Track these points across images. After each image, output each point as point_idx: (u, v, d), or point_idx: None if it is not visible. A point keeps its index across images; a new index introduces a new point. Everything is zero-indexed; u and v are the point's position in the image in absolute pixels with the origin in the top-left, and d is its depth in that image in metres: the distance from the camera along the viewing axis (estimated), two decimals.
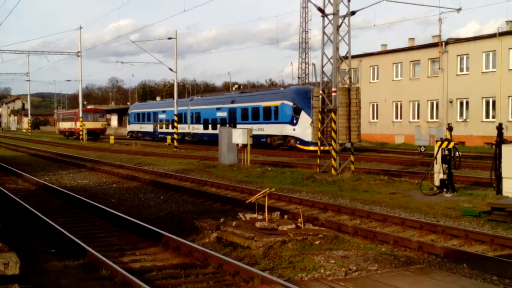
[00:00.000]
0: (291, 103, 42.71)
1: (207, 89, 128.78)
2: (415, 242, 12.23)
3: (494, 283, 8.36)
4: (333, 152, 23.58)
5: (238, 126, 44.44)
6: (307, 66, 69.23)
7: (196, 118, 56.40)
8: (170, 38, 48.86)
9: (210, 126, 53.29)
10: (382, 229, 14.08)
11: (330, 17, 23.78)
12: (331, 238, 11.50)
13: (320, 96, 23.74)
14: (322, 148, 24.53)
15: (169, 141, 54.74)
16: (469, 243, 12.40)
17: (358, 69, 53.12)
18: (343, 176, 22.98)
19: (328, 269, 9.34)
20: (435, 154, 19.51)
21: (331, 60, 23.86)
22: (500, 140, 18.41)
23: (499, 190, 17.97)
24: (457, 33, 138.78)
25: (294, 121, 42.11)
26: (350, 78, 23.98)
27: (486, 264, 9.73)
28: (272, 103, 45.10)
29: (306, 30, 69.70)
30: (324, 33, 24.04)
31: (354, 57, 45.31)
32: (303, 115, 41.01)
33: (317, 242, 11.19)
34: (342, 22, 23.76)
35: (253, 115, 47.40)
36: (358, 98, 23.27)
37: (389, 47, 59.48)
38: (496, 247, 11.83)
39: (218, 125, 48.64)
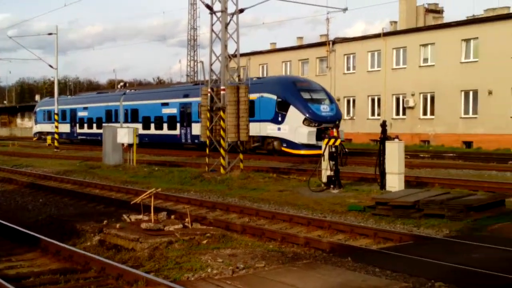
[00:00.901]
0: (273, 96, 35.10)
1: (90, 87, 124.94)
2: (302, 238, 12.33)
3: (376, 275, 8.51)
4: (221, 151, 23.47)
5: (194, 125, 39.53)
6: (196, 63, 68.90)
7: (133, 116, 46.83)
8: (50, 34, 46.95)
9: (152, 125, 44.75)
10: (270, 226, 14.11)
11: (219, 14, 23.64)
12: (219, 237, 11.38)
13: (209, 94, 23.56)
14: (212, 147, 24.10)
15: (49, 141, 51.24)
16: (354, 237, 12.62)
17: (247, 67, 53.25)
18: (232, 174, 22.91)
19: (215, 268, 9.21)
20: (322, 151, 19.79)
21: (220, 58, 23.73)
22: (384, 137, 18.93)
23: (383, 185, 18.48)
24: (345, 32, 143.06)
25: (279, 119, 34.59)
26: (239, 76, 23.96)
27: (369, 256, 9.89)
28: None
29: (195, 27, 69.49)
30: (212, 30, 23.88)
31: (243, 55, 45.43)
32: (293, 111, 33.96)
33: (205, 242, 11.04)
34: (230, 20, 23.67)
35: None
36: (247, 96, 23.27)
37: (279, 46, 60.25)
38: (379, 240, 12.10)
39: (165, 124, 43.23)
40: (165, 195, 18.51)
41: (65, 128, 54.78)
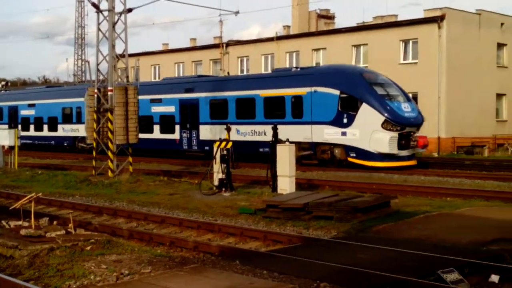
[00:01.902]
0: (335, 91, 27.55)
1: None
2: (192, 242, 12.16)
3: (264, 277, 8.45)
4: (109, 153, 22.86)
5: (202, 127, 32.89)
6: (83, 63, 67.15)
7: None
8: None
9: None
10: (159, 231, 13.86)
11: (106, 13, 23.03)
12: (103, 242, 11.00)
13: (96, 95, 22.89)
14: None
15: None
16: (244, 240, 12.57)
17: (137, 68, 52.30)
18: (121, 178, 22.39)
19: (99, 275, 8.89)
20: (214, 154, 19.67)
21: (107, 58, 23.12)
22: (275, 140, 19.06)
23: (274, 188, 18.60)
24: (241, 34, 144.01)
25: (344, 120, 27.23)
26: (127, 77, 23.44)
27: (258, 259, 9.85)
28: (288, 92, 29.34)
29: (82, 25, 67.46)
30: (99, 29, 23.25)
31: (133, 55, 44.72)
32: (366, 111, 26.69)
33: (89, 248, 10.67)
34: (118, 19, 23.14)
35: (243, 111, 31.44)
36: (136, 98, 22.78)
37: (172, 47, 59.63)
38: (269, 243, 12.10)
39: (157, 126, 35.29)
40: (48, 200, 17.88)
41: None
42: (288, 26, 52.97)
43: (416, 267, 9.13)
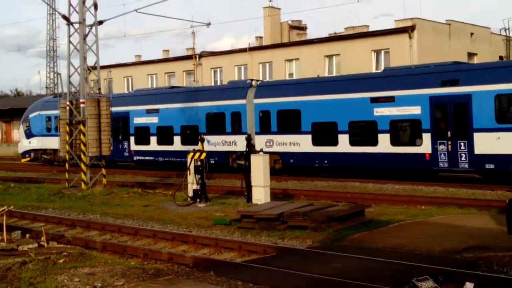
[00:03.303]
0: None
1: None
2: (166, 253, 12.08)
3: None
4: (82, 166, 22.65)
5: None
6: (56, 75, 66.70)
7: (283, 122, 28.81)
8: None
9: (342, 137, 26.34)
10: (133, 243, 13.75)
11: (77, 25, 22.88)
12: (76, 255, 10.93)
13: (68, 108, 22.69)
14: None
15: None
16: (219, 251, 12.52)
17: (109, 80, 51.86)
18: (95, 190, 22.19)
19: (72, 287, 8.76)
20: (188, 165, 19.59)
21: (79, 70, 22.94)
22: (249, 150, 19.04)
23: (249, 198, 18.56)
24: (214, 46, 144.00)
25: None
26: (99, 89, 23.28)
27: (232, 270, 9.80)
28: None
29: (54, 37, 66.90)
30: (70, 42, 23.10)
31: (105, 67, 44.39)
32: None
33: (61, 261, 10.58)
34: (89, 31, 23.00)
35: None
36: (108, 110, 22.62)
37: (145, 58, 59.39)
38: (244, 253, 12.06)
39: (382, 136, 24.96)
40: (21, 213, 17.71)
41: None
42: (261, 37, 53.11)
43: (391, 276, 9.14)
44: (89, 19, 23.14)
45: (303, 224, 13.94)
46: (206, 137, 26.81)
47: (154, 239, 13.96)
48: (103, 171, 23.30)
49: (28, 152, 41.93)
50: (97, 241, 13.63)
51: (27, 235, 12.91)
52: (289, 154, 27.80)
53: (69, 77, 23.36)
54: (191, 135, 31.49)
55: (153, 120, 33.34)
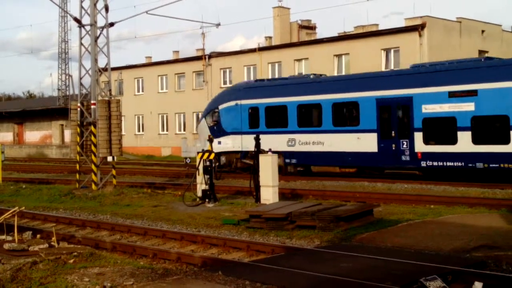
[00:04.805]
0: None
1: None
2: (174, 253, 12.12)
3: None
4: (93, 166, 22.78)
5: None
6: (67, 77, 66.92)
7: None
8: None
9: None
10: (142, 243, 13.81)
11: (88, 27, 23.01)
12: (86, 255, 10.94)
13: (79, 109, 22.82)
14: None
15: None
16: (227, 251, 12.56)
17: (119, 81, 52.03)
18: (105, 190, 22.31)
19: (81, 287, 8.78)
20: (197, 165, 19.65)
21: (90, 72, 23.08)
22: (258, 150, 19.07)
23: (257, 198, 18.59)
24: (224, 46, 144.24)
25: None
26: (110, 90, 23.40)
27: (240, 269, 9.82)
28: None
29: (66, 40, 67.08)
30: (81, 44, 23.23)
31: (116, 69, 44.61)
32: None
33: (71, 261, 10.61)
34: (100, 33, 23.13)
35: None
36: (119, 111, 22.73)
37: (156, 59, 59.65)
38: (252, 253, 12.09)
39: None
40: (32, 214, 17.80)
41: (369, 143, 25.95)
42: (270, 37, 53.14)
43: (399, 275, 9.13)
44: (101, 21, 23.31)
45: (311, 223, 13.95)
46: None
47: (163, 239, 14.02)
48: (113, 171, 23.43)
49: (222, 163, 31.08)
50: (107, 241, 13.69)
51: (38, 236, 13.01)
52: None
53: (80, 78, 23.51)
54: None
55: (465, 107, 23.41)
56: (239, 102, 30.46)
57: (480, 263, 10.10)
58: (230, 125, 30.72)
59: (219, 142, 30.33)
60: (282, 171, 26.98)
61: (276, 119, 29.19)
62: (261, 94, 29.81)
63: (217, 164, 22.52)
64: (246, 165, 29.25)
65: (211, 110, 32.01)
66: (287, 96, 28.70)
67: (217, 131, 30.84)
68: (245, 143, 29.09)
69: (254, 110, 29.92)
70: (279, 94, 29.09)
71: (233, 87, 34.48)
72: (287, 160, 28.57)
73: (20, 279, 9.72)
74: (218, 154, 29.27)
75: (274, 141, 27.12)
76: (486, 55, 43.01)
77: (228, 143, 30.59)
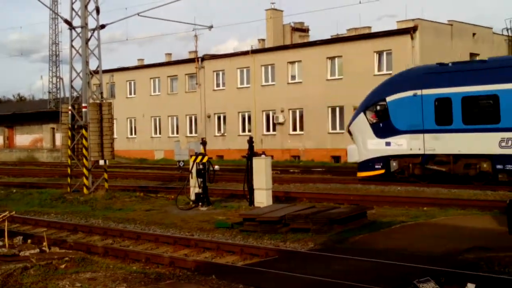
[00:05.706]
0: None
1: None
2: (167, 257, 12.03)
3: None
4: (84, 170, 22.64)
5: None
6: (58, 80, 66.56)
7: None
8: None
9: None
10: (135, 247, 13.70)
11: (79, 30, 22.89)
12: (78, 260, 10.88)
13: (70, 112, 22.70)
14: None
15: None
16: (220, 254, 12.49)
17: (111, 84, 51.90)
18: (96, 194, 22.16)
19: None
20: (190, 168, 19.58)
21: (81, 75, 22.96)
22: (251, 153, 19.00)
23: (251, 201, 18.52)
24: (218, 49, 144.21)
25: None
26: (101, 93, 23.29)
27: (234, 273, 9.79)
28: None
29: (57, 42, 66.74)
30: (72, 46, 23.08)
31: (107, 71, 44.49)
32: None
33: (63, 266, 10.55)
34: (91, 36, 23.01)
35: None
36: (110, 114, 22.61)
37: (148, 62, 59.49)
38: (246, 257, 12.03)
39: None
40: (23, 218, 17.65)
41: None
42: (263, 40, 53.13)
43: (393, 278, 9.13)
44: (92, 23, 23.14)
45: (305, 226, 13.92)
46: None
47: (156, 243, 13.92)
48: (105, 175, 23.29)
49: (377, 160, 25.76)
50: (99, 246, 13.57)
51: (29, 241, 12.87)
52: None
53: (71, 81, 23.41)
54: None
55: None
56: (418, 91, 24.44)
57: (473, 264, 10.09)
58: (404, 122, 24.81)
59: (388, 143, 25.22)
60: (489, 179, 22.98)
61: (481, 113, 23.19)
62: (453, 80, 23.71)
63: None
64: (429, 171, 24.47)
65: (374, 102, 26.36)
66: (498, 82, 22.49)
67: (383, 129, 25.44)
68: (430, 144, 24.15)
69: (443, 101, 23.82)
70: (485, 80, 22.92)
71: (407, 72, 26.98)
72: (499, 166, 22.37)
73: (11, 285, 9.65)
74: (386, 158, 25.33)
75: (477, 141, 22.67)
76: (478, 58, 43.28)
77: (401, 144, 24.97)
